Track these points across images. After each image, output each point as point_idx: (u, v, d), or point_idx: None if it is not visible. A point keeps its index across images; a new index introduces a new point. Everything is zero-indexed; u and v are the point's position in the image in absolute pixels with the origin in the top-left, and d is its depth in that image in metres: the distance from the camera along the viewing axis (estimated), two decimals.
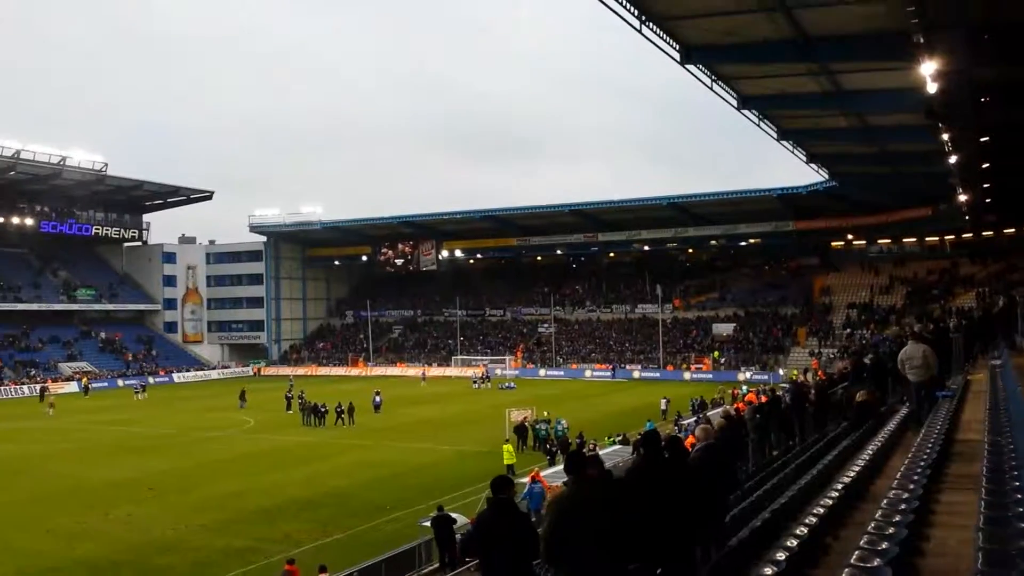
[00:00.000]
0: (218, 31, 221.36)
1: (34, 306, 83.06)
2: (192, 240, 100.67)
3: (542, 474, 25.61)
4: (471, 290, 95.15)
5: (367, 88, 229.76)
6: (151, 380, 73.86)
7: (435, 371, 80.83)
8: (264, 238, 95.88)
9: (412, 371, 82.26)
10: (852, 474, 9.38)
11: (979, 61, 19.96)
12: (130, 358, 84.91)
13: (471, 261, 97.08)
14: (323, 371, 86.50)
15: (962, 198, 46.89)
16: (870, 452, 10.87)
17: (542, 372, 77.66)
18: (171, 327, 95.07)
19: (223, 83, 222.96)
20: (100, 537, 24.31)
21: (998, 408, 10.73)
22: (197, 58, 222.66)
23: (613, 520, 6.39)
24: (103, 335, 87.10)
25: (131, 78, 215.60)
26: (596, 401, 55.24)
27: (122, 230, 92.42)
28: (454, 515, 21.63)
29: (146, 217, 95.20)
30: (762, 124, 37.22)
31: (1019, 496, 5.79)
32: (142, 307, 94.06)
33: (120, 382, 76.33)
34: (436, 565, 21.31)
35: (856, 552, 5.48)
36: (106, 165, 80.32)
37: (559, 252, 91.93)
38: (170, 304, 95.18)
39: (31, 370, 75.42)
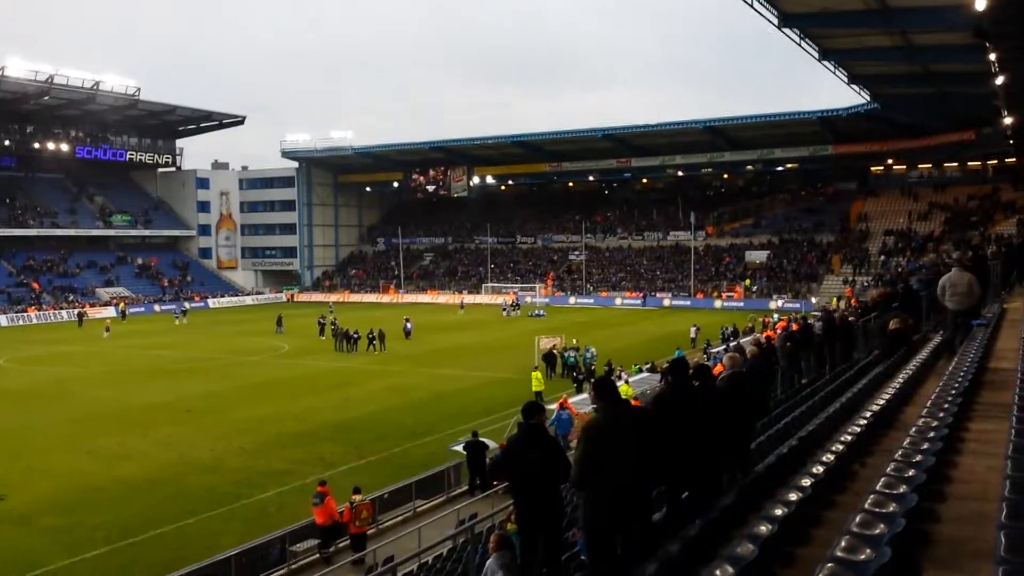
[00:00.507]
0: None
1: (71, 231, 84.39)
2: (225, 166, 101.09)
3: (570, 401, 25.80)
4: (502, 217, 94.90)
5: (398, 14, 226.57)
6: (187, 305, 75.05)
7: (466, 298, 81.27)
8: (296, 164, 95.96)
9: (443, 298, 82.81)
10: (882, 402, 9.29)
11: None
12: (166, 284, 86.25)
13: (502, 188, 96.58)
14: (355, 298, 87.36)
15: (1007, 121, 45.43)
16: (901, 380, 10.75)
17: (572, 300, 77.75)
18: (206, 253, 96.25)
19: (255, 9, 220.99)
20: (140, 458, 24.98)
21: None
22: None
23: (642, 445, 6.39)
24: (139, 260, 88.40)
25: (162, 3, 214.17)
26: (625, 329, 55.31)
27: (156, 155, 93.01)
28: (486, 440, 21.95)
29: (179, 143, 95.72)
30: (803, 44, 36.12)
31: None
32: (177, 233, 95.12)
33: (156, 307, 77.72)
34: (465, 488, 21.71)
35: (883, 479, 5.43)
36: (139, 90, 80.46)
37: (591, 178, 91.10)
38: (204, 230, 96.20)
39: (69, 295, 76.89)
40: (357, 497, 17.54)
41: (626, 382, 28.95)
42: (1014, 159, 66.14)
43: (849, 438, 7.64)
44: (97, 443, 26.69)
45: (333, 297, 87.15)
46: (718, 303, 70.04)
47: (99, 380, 39.07)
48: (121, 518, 19.54)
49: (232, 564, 15.94)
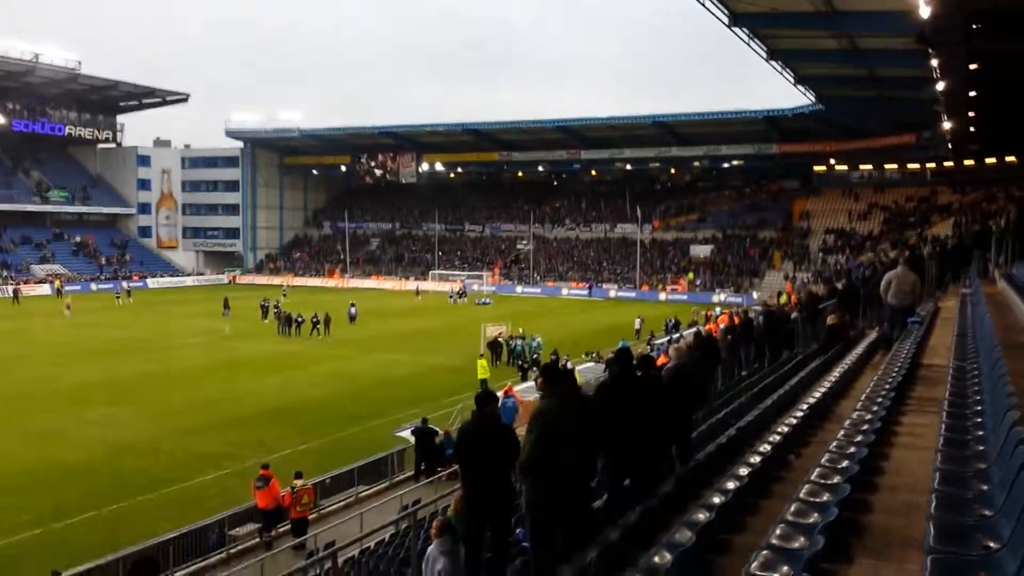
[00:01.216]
0: None
1: (6, 206, 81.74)
2: (167, 144, 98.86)
3: (515, 389, 25.92)
4: (450, 204, 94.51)
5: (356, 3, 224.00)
6: (125, 285, 73.36)
7: (412, 284, 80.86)
8: (241, 144, 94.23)
9: (390, 284, 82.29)
10: (818, 395, 9.53)
11: None
12: (103, 262, 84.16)
13: (451, 175, 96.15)
14: (299, 281, 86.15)
15: (946, 126, 46.70)
16: (837, 374, 11.02)
17: (519, 289, 77.89)
18: (145, 232, 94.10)
19: None
20: (74, 439, 24.44)
21: (965, 335, 10.87)
22: None
23: (585, 432, 6.48)
24: (77, 238, 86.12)
25: None
26: (571, 319, 55.61)
27: (96, 131, 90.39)
28: (435, 427, 22.00)
29: (120, 119, 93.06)
30: (752, 43, 36.60)
31: (978, 420, 5.88)
32: (116, 210, 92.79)
33: (93, 286, 75.79)
34: (409, 473, 21.70)
35: (817, 469, 5.58)
36: (80, 63, 78.24)
37: (541, 169, 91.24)
38: (144, 208, 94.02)
39: (3, 272, 74.62)
40: (299, 482, 17.43)
41: (573, 369, 29.14)
42: (952, 163, 68.00)
43: (786, 429, 7.83)
44: (30, 423, 26.07)
45: (277, 280, 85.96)
46: (663, 295, 70.78)
47: (33, 359, 38.00)
48: (54, 500, 19.13)
49: (170, 547, 15.73)
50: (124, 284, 72.69)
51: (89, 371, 34.68)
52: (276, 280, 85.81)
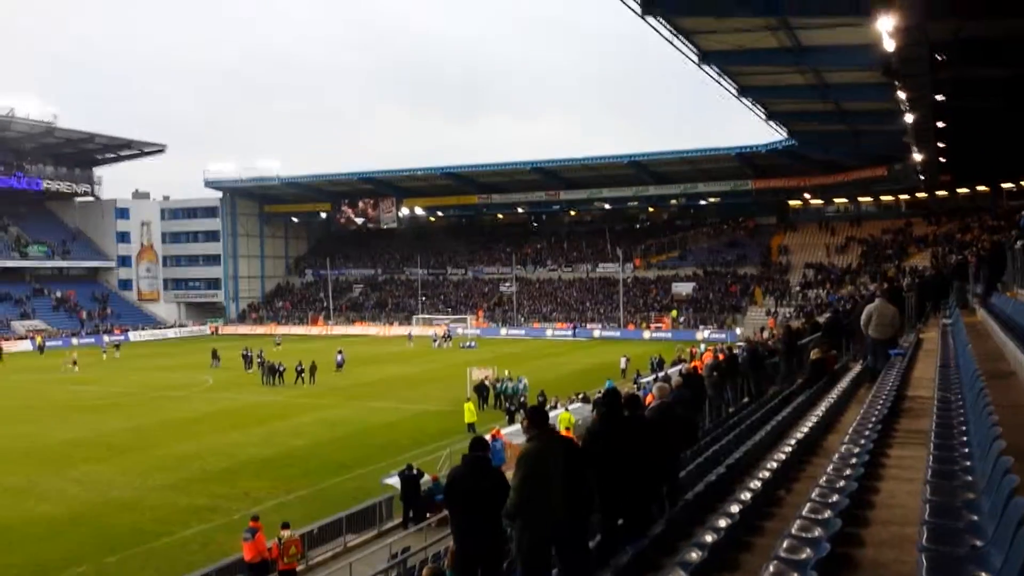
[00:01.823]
0: None
1: None
2: (146, 195, 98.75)
3: (502, 432, 25.80)
4: (432, 249, 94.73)
5: (321, 38, 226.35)
6: (107, 339, 72.60)
7: (397, 330, 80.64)
8: (220, 194, 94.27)
9: (374, 330, 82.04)
10: (805, 430, 9.57)
11: (936, 16, 20.06)
12: (84, 316, 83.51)
13: (432, 219, 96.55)
14: (282, 330, 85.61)
15: (917, 157, 47.46)
16: (823, 408, 11.08)
17: (503, 331, 77.86)
18: (126, 284, 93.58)
19: (175, 36, 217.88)
20: (57, 496, 24.06)
21: (948, 366, 10.97)
22: (147, 9, 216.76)
23: (574, 475, 6.48)
24: (57, 293, 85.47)
25: (73, 25, 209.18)
26: (557, 360, 55.59)
27: (73, 184, 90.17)
28: (419, 470, 21.82)
29: (97, 171, 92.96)
30: (722, 80, 37.21)
31: (966, 451, 5.94)
32: (96, 264, 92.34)
33: (75, 341, 75.01)
34: (397, 521, 21.47)
35: (807, 504, 5.60)
36: (56, 117, 78.51)
37: (520, 210, 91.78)
38: (124, 261, 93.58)
39: None
40: (286, 533, 17.20)
41: (566, 409, 29.15)
42: (925, 194, 69.00)
43: (775, 465, 7.85)
44: (11, 480, 25.70)
45: (260, 329, 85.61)
46: (647, 334, 70.94)
47: (14, 415, 37.51)
48: (36, 558, 18.80)
49: None
50: (106, 338, 72.06)
51: (73, 427, 34.26)
52: (259, 329, 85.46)
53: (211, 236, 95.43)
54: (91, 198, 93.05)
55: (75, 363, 54.51)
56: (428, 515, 20.69)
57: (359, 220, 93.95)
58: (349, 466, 26.87)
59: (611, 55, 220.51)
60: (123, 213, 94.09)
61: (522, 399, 34.78)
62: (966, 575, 3.79)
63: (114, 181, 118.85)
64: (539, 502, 6.22)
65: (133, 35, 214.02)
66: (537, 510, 6.23)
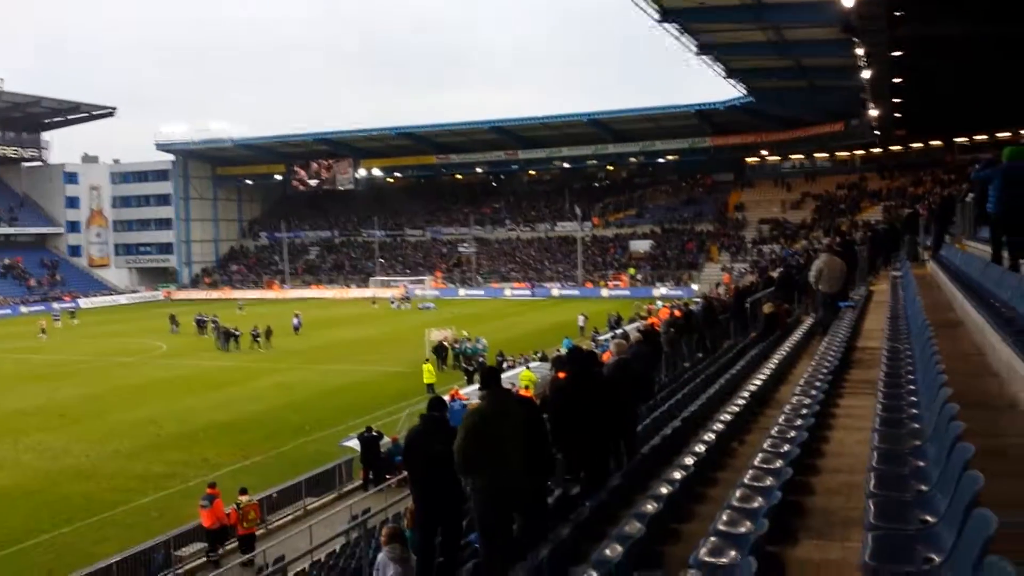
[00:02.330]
0: None
1: None
2: (95, 160, 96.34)
3: (461, 392, 25.86)
4: (389, 210, 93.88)
5: (284, 6, 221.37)
6: (57, 306, 71.14)
7: (354, 292, 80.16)
8: (172, 157, 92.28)
9: (330, 292, 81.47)
10: (758, 382, 9.67)
11: None
12: (33, 283, 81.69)
13: (389, 180, 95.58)
14: (237, 294, 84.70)
15: (873, 113, 47.97)
16: (776, 361, 11.20)
17: (462, 292, 77.75)
18: (76, 251, 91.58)
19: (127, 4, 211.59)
20: (11, 466, 23.71)
21: (897, 317, 11.13)
22: None
23: (526, 431, 6.47)
24: (5, 260, 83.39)
25: None
26: (516, 320, 55.71)
27: (20, 149, 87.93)
28: (379, 432, 21.79)
29: (46, 136, 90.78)
30: (683, 38, 37.17)
31: (913, 399, 6.02)
32: (44, 230, 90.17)
33: (23, 309, 73.49)
34: (357, 483, 21.48)
35: (760, 455, 5.65)
36: (2, 80, 75.94)
37: (479, 170, 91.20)
38: (74, 227, 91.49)
39: None
40: (244, 498, 17.12)
41: (527, 367, 29.30)
42: (880, 149, 69.83)
43: (728, 417, 7.93)
44: None
45: (215, 294, 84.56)
46: (605, 292, 71.33)
47: None
48: None
49: (114, 570, 15.34)
50: (56, 305, 70.64)
51: (24, 396, 33.64)
52: (214, 294, 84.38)
53: (163, 200, 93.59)
54: (39, 163, 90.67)
55: (44, 331, 53.56)
56: (388, 476, 20.72)
57: (314, 182, 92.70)
58: (308, 429, 26.77)
59: (569, 21, 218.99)
60: (72, 178, 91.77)
61: (481, 359, 34.86)
62: (912, 519, 3.84)
63: (63, 146, 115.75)
64: (489, 461, 6.21)
65: (85, 4, 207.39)
66: (489, 468, 6.22)
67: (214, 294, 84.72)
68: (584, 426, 7.17)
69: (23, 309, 73.38)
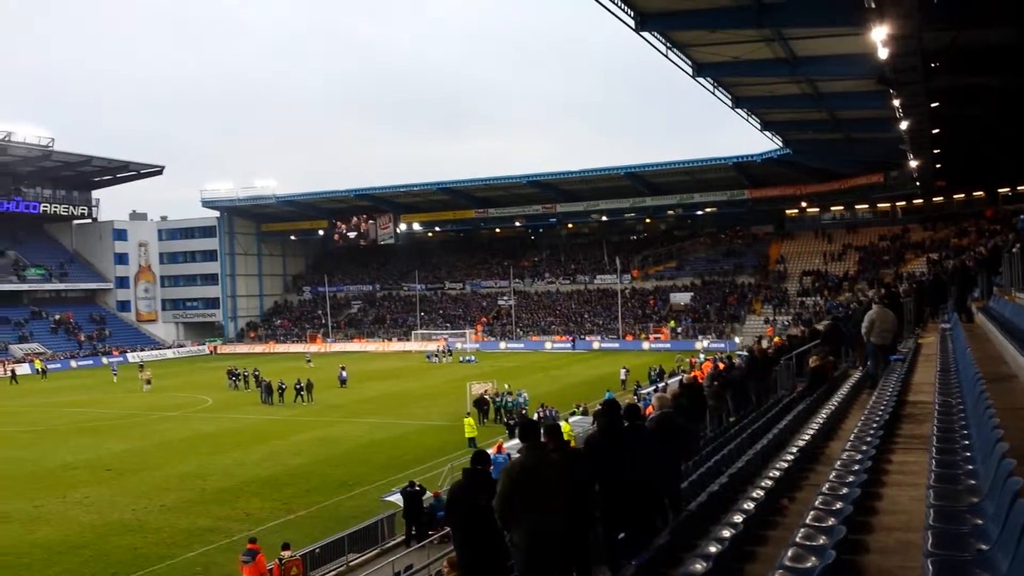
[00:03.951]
0: (153, 2, 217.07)
1: None
2: (143, 216, 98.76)
3: (505, 446, 25.73)
4: (430, 264, 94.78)
5: (304, 58, 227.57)
6: (104, 360, 72.38)
7: (395, 346, 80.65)
8: (217, 213, 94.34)
9: (372, 346, 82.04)
10: (807, 437, 9.54)
11: (929, 25, 20.17)
12: (83, 338, 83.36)
13: (429, 234, 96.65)
14: (281, 348, 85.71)
15: (913, 164, 47.64)
16: (824, 416, 11.05)
17: (502, 345, 77.79)
18: (124, 306, 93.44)
19: (173, 59, 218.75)
20: (58, 520, 23.94)
21: (948, 370, 10.95)
22: (134, 30, 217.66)
23: (566, 485, 6.44)
24: (55, 315, 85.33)
25: (69, 49, 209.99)
26: (557, 372, 55.51)
27: (71, 207, 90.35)
28: (421, 487, 21.71)
29: (95, 194, 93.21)
30: (717, 92, 37.38)
31: (968, 454, 5.92)
32: (94, 286, 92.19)
33: (73, 363, 74.94)
34: (400, 539, 21.36)
35: (811, 512, 5.57)
36: (53, 140, 78.46)
37: (517, 224, 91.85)
38: (122, 282, 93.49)
39: None
40: (286, 553, 17.12)
41: (565, 420, 29.12)
42: (921, 200, 69.18)
43: (777, 474, 7.82)
44: (13, 505, 25.52)
45: (259, 348, 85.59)
46: (646, 344, 70.91)
47: (13, 439, 37.38)
48: None
49: None
50: (103, 360, 71.71)
51: (71, 450, 34.13)
52: (258, 348, 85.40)
53: (209, 256, 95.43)
54: (89, 220, 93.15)
55: (149, 382, 54.59)
56: (431, 532, 20.59)
57: (355, 236, 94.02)
58: (350, 484, 26.76)
59: (605, 72, 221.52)
60: (121, 234, 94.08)
61: (523, 412, 34.73)
62: None
63: (112, 203, 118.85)
64: (528, 514, 6.18)
65: (129, 62, 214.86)
66: (528, 522, 6.18)
67: (258, 348, 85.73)
68: (623, 481, 7.09)
69: (73, 363, 74.82)
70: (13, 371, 65.14)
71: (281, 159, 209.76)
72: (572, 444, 20.79)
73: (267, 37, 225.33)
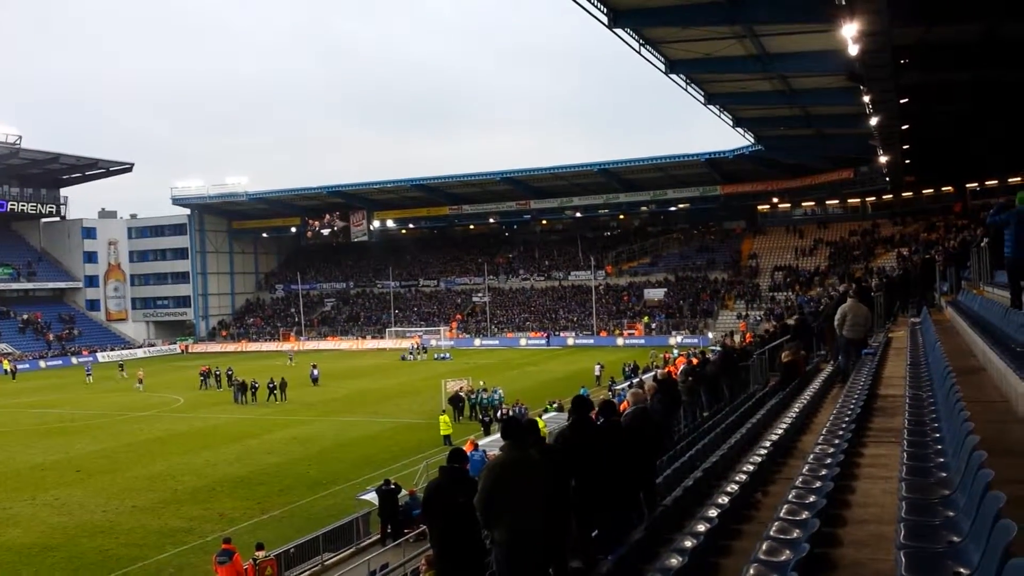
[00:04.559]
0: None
1: None
2: (113, 214, 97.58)
3: (480, 443, 25.70)
4: (404, 261, 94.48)
5: (283, 55, 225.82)
6: (74, 360, 71.42)
7: (369, 343, 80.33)
8: (188, 211, 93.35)
9: (345, 344, 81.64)
10: (780, 432, 9.60)
11: (899, 21, 20.37)
12: (51, 338, 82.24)
13: (403, 231, 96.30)
14: (253, 347, 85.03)
15: (883, 160, 48.15)
16: (797, 410, 11.13)
17: (477, 342, 77.71)
18: (93, 305, 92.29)
19: (138, 54, 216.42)
20: (28, 522, 23.61)
21: (918, 364, 11.06)
22: (106, 27, 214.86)
23: (546, 483, 6.43)
24: (23, 315, 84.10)
25: (38, 49, 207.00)
26: (531, 369, 55.56)
27: (39, 205, 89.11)
28: (397, 485, 21.64)
29: (64, 191, 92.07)
30: (689, 88, 37.49)
31: (939, 447, 5.97)
32: (62, 285, 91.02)
33: (42, 363, 73.92)
34: (375, 537, 21.28)
35: (785, 506, 5.60)
36: (20, 138, 77.50)
37: (492, 220, 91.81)
38: (92, 281, 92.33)
39: None
40: (260, 553, 16.99)
41: (539, 417, 29.07)
42: (891, 195, 69.98)
43: (751, 468, 7.86)
44: None
45: (231, 347, 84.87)
46: (620, 340, 71.13)
47: None
48: None
49: None
50: (72, 360, 70.76)
51: (40, 451, 33.66)
52: (230, 347, 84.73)
53: (179, 254, 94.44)
54: (57, 218, 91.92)
55: (141, 380, 53.93)
56: (406, 530, 20.53)
57: (328, 233, 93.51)
58: (325, 483, 26.62)
59: (575, 69, 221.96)
60: (90, 232, 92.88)
61: (503, 409, 34.70)
62: (944, 571, 3.80)
63: (81, 201, 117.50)
64: (510, 512, 6.17)
65: (99, 62, 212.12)
66: (509, 520, 6.17)
67: (230, 347, 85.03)
68: (598, 476, 7.08)
69: (42, 363, 73.80)
70: None
71: (260, 158, 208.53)
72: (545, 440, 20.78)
73: (249, 35, 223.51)
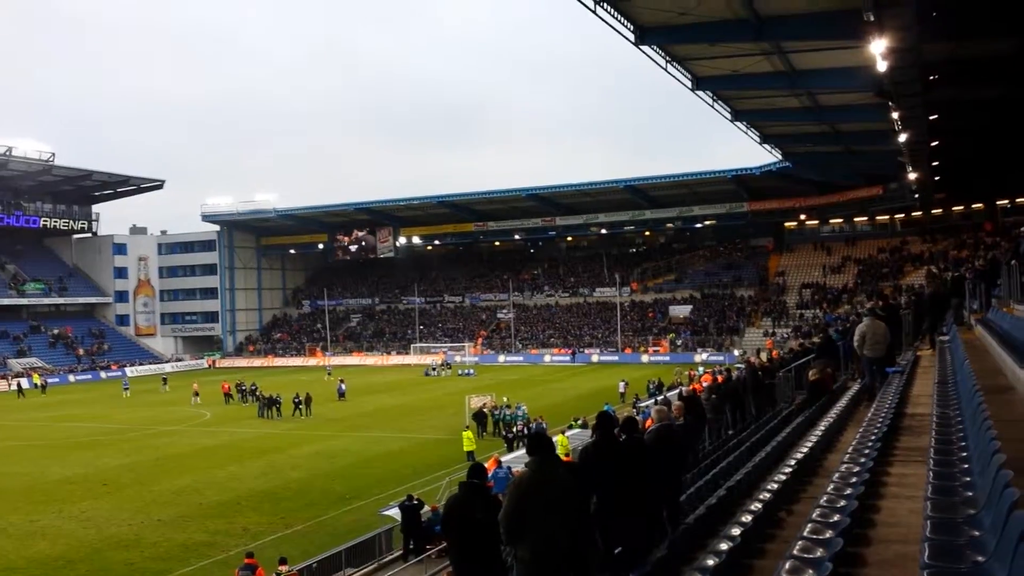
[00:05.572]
0: (152, 18, 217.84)
1: None
2: (143, 231, 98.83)
3: (503, 459, 25.65)
4: (429, 277, 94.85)
5: (304, 73, 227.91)
6: (103, 375, 72.17)
7: (395, 359, 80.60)
8: (217, 227, 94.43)
9: (371, 359, 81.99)
10: (805, 450, 9.51)
11: (928, 38, 20.25)
12: (81, 353, 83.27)
13: (429, 248, 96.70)
14: (280, 362, 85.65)
15: (912, 176, 47.72)
16: (822, 428, 11.02)
17: (501, 358, 77.71)
18: (123, 320, 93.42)
19: (166, 73, 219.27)
20: (54, 535, 23.82)
21: (946, 382, 10.92)
22: (134, 46, 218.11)
23: (571, 500, 6.39)
24: (54, 330, 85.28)
25: (73, 66, 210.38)
26: (556, 386, 55.42)
27: (71, 221, 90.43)
28: (419, 500, 21.63)
29: (95, 208, 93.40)
30: (716, 105, 37.43)
31: (966, 466, 5.89)
32: (93, 300, 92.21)
33: (71, 377, 74.82)
34: (398, 553, 21.27)
35: (809, 525, 5.54)
36: (53, 155, 78.67)
37: (517, 237, 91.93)
38: (121, 296, 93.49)
39: None
40: (284, 568, 17.04)
41: (562, 433, 29.05)
42: (920, 212, 69.26)
43: (775, 486, 7.79)
44: (8, 520, 25.40)
45: (257, 362, 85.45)
46: (645, 357, 70.84)
47: (10, 453, 37.25)
48: None
49: None
50: (102, 374, 71.50)
51: (68, 464, 34.01)
52: (257, 362, 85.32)
53: (208, 270, 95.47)
54: (88, 234, 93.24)
55: (196, 394, 54.26)
56: (428, 546, 20.50)
57: (355, 249, 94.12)
58: (348, 498, 26.66)
59: (607, 85, 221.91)
60: (120, 249, 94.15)
61: (521, 426, 34.65)
62: None
63: (112, 218, 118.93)
64: (534, 529, 6.13)
65: (131, 78, 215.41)
66: (533, 537, 6.14)
67: (257, 362, 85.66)
68: (620, 493, 7.04)
69: (71, 378, 74.71)
70: (20, 384, 65.25)
71: (283, 175, 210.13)
72: (569, 457, 20.79)
73: (270, 54, 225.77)
